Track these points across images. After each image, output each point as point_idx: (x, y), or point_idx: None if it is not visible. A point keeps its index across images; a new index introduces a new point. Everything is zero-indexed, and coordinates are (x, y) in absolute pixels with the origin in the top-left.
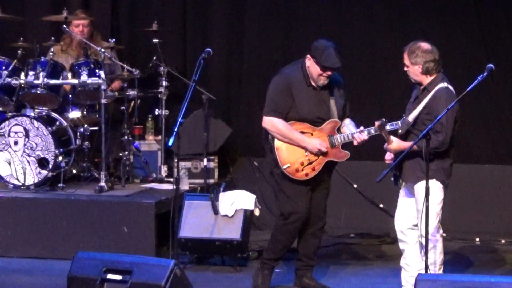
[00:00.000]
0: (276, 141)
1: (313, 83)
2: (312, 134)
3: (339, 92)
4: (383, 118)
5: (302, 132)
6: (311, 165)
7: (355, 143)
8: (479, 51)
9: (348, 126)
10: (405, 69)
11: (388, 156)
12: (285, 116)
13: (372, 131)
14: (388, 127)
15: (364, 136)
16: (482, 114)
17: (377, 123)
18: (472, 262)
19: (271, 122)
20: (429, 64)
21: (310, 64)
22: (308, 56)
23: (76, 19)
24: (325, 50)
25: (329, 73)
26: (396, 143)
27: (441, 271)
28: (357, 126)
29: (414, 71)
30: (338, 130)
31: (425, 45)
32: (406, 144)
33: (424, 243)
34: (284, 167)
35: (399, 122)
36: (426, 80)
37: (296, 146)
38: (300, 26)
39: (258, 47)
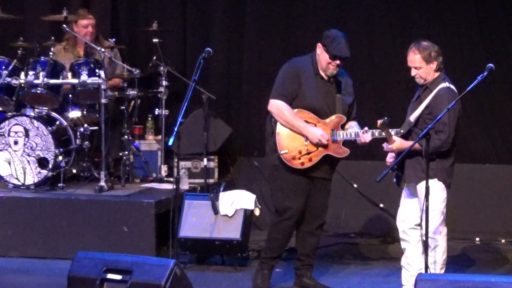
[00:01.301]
0: (278, 125)
1: (321, 73)
2: (315, 125)
3: (347, 91)
4: (385, 117)
5: (306, 122)
6: (308, 155)
7: (358, 142)
8: (479, 51)
9: (354, 128)
10: (416, 72)
11: (390, 158)
12: (291, 102)
13: (376, 133)
14: (393, 132)
15: (368, 136)
16: (482, 114)
17: (379, 121)
18: (472, 262)
19: (276, 105)
20: (440, 58)
21: (320, 52)
22: (319, 44)
23: (84, 19)
24: (336, 39)
25: (338, 62)
26: (398, 143)
27: (442, 271)
28: (361, 129)
29: (429, 70)
30: (343, 127)
31: (428, 42)
32: (408, 143)
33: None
34: (282, 152)
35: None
36: (432, 78)
37: (297, 134)
38: (300, 26)
39: (258, 47)
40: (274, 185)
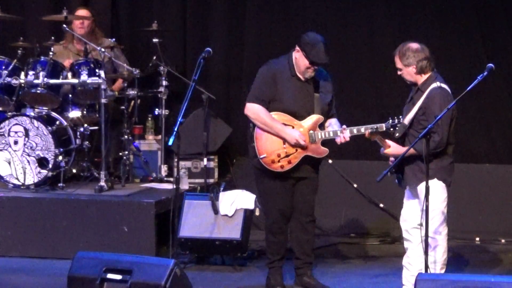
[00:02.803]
0: (256, 130)
1: (298, 74)
2: (293, 127)
3: (325, 88)
4: (374, 125)
5: (284, 124)
6: (287, 158)
7: (338, 141)
8: (479, 51)
9: (333, 126)
10: (399, 72)
11: (392, 158)
12: (268, 105)
13: (355, 130)
14: (386, 128)
15: (346, 134)
16: (482, 114)
17: (367, 132)
18: (472, 262)
19: (253, 109)
20: (422, 62)
21: (298, 56)
22: (297, 48)
23: (76, 18)
24: (315, 45)
25: (316, 67)
26: (393, 149)
27: (443, 271)
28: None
29: (409, 72)
30: (321, 127)
31: (414, 45)
32: (403, 149)
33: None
34: (261, 156)
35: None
36: (421, 79)
37: (275, 137)
38: (300, 26)
39: (258, 47)
40: (259, 188)
